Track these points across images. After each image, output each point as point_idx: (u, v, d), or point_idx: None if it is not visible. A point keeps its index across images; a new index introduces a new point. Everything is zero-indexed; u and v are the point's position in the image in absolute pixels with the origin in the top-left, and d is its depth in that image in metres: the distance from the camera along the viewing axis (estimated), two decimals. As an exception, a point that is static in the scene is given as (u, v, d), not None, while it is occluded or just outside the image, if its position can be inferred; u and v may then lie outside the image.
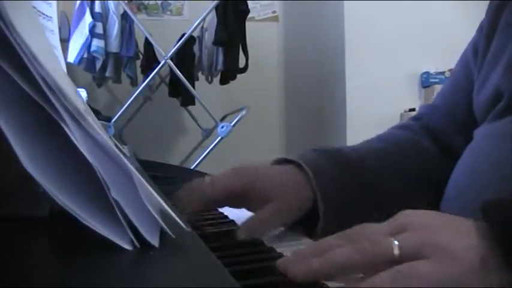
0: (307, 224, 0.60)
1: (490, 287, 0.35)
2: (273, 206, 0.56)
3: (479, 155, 0.59)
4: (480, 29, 0.67)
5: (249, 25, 2.88)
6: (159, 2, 3.59)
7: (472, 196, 0.56)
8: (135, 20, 2.70)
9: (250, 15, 2.92)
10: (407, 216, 0.40)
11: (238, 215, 0.60)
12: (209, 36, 2.88)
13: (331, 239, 0.41)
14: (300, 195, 0.58)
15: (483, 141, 0.60)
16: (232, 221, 0.61)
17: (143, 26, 2.67)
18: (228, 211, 0.65)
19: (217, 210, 0.66)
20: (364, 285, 0.35)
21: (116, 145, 0.70)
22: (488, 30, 0.64)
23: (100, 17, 2.65)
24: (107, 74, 2.79)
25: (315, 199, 0.58)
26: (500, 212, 0.37)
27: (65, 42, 2.54)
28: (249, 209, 0.59)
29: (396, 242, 0.36)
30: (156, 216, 0.32)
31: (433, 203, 0.62)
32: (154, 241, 0.31)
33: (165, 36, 2.96)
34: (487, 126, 0.60)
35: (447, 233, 0.37)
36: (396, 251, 0.36)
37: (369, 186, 0.63)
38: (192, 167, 2.41)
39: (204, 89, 3.01)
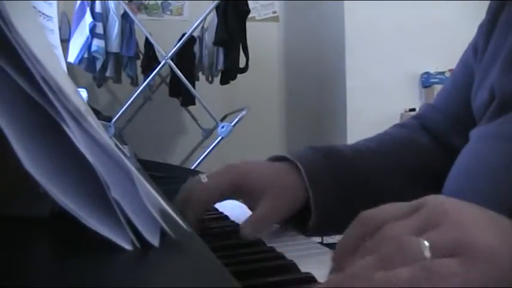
0: (300, 220, 0.61)
1: None
2: (269, 203, 0.57)
3: (474, 156, 0.59)
4: (480, 27, 0.67)
5: (249, 25, 2.88)
6: (159, 2, 3.59)
7: (467, 198, 0.56)
8: (135, 20, 2.70)
9: (250, 15, 2.92)
10: (438, 206, 0.34)
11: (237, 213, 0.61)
12: (209, 36, 2.88)
13: (353, 244, 0.35)
14: (293, 190, 0.59)
15: (478, 142, 0.60)
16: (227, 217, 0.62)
17: (143, 26, 2.67)
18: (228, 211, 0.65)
19: (217, 210, 0.67)
20: (379, 277, 0.30)
21: (116, 145, 0.70)
22: (488, 29, 0.64)
23: (100, 17, 2.65)
24: (107, 74, 2.79)
25: (308, 195, 0.59)
26: None
27: (65, 42, 2.54)
28: (244, 203, 0.61)
29: (426, 243, 0.31)
30: (156, 216, 0.32)
31: None
32: (155, 241, 0.31)
33: (166, 36, 2.96)
34: (483, 127, 0.61)
35: (484, 230, 0.32)
36: (427, 254, 0.31)
37: (361, 184, 0.64)
38: (192, 167, 2.41)
39: (205, 89, 3.02)
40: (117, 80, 3.00)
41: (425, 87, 3.15)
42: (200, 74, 3.10)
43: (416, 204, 0.36)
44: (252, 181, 0.58)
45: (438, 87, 3.05)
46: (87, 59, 2.63)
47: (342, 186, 0.62)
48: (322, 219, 0.60)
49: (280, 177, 0.59)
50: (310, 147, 0.64)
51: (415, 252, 0.31)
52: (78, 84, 2.81)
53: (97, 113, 2.39)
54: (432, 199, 0.36)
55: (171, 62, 2.58)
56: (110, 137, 0.55)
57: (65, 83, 0.31)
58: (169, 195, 0.57)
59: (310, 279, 0.39)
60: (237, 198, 0.61)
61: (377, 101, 3.05)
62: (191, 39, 2.85)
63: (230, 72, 2.90)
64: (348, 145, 0.69)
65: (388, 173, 0.66)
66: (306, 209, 0.60)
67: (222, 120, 2.71)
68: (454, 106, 0.71)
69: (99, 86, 3.09)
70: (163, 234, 0.32)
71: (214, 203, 0.59)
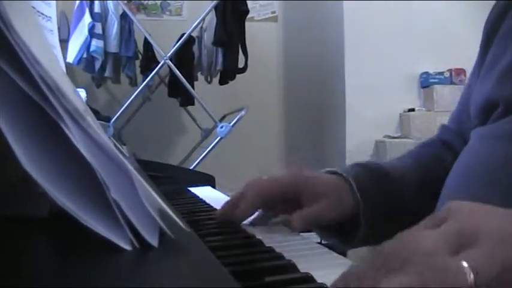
0: (345, 233, 0.65)
1: None
2: (322, 203, 0.61)
3: (472, 156, 0.59)
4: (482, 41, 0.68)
5: (248, 25, 2.88)
6: (158, 2, 3.59)
7: (464, 197, 0.56)
8: (134, 20, 2.69)
9: (249, 16, 2.92)
10: (465, 218, 0.31)
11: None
12: (208, 37, 2.88)
13: (377, 263, 0.31)
14: (343, 201, 0.63)
15: (477, 142, 0.60)
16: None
17: (142, 26, 2.67)
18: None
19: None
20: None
21: (115, 145, 0.70)
22: (487, 37, 0.65)
23: (99, 17, 2.65)
24: (106, 74, 2.79)
25: (354, 211, 0.62)
26: None
27: (64, 42, 2.54)
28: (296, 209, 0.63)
29: (465, 264, 0.28)
30: (155, 216, 0.32)
31: None
32: (154, 241, 0.31)
33: (164, 36, 2.96)
34: (486, 127, 0.61)
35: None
36: (470, 278, 0.27)
37: (399, 202, 0.67)
38: (191, 167, 2.41)
39: (204, 89, 3.01)
40: (116, 80, 3.00)
41: (424, 87, 3.15)
42: (199, 74, 3.10)
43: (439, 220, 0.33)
44: (312, 184, 0.62)
45: (437, 88, 3.05)
46: (86, 59, 2.63)
47: (386, 201, 0.65)
48: (369, 230, 0.63)
49: (336, 187, 0.63)
50: (357, 164, 0.68)
51: (455, 277, 0.28)
52: (77, 85, 2.80)
53: (96, 113, 2.39)
54: (454, 211, 0.33)
55: (170, 62, 2.58)
56: (109, 137, 0.55)
57: (64, 83, 0.31)
58: (168, 195, 0.57)
59: (309, 279, 0.39)
60: (290, 205, 0.63)
61: (376, 101, 3.05)
62: (190, 40, 2.85)
63: (229, 72, 2.90)
64: (388, 163, 0.72)
65: (422, 193, 0.69)
66: (350, 223, 0.63)
67: (221, 120, 2.71)
68: (462, 126, 0.74)
69: (98, 86, 3.09)
70: (162, 234, 0.32)
71: (272, 195, 0.61)
